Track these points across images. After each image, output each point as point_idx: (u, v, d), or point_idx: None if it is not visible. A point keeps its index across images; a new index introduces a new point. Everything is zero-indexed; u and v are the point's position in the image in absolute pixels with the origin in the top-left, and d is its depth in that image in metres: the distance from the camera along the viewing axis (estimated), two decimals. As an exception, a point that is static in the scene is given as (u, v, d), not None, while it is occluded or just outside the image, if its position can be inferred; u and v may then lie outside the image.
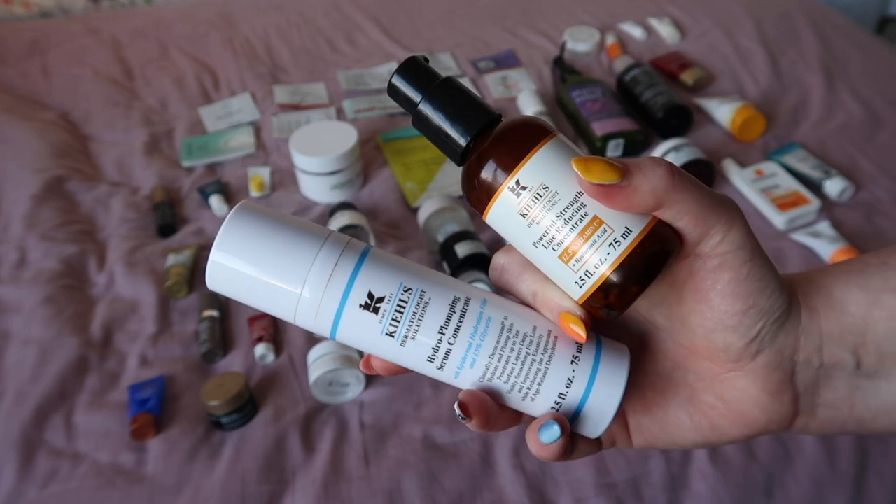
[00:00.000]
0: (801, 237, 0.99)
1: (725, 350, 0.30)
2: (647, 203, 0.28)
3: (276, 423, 0.78)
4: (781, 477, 0.73)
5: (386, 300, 0.30)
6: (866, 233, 1.00)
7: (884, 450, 0.75)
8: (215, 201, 1.08)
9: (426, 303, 0.30)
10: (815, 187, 1.07)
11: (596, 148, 1.14)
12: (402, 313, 0.30)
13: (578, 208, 0.29)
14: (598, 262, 0.29)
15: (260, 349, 0.85)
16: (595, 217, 0.29)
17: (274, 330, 0.88)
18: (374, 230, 1.01)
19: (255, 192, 1.10)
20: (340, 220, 0.97)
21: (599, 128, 1.14)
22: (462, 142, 0.31)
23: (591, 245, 0.29)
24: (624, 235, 0.28)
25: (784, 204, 1.02)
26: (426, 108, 0.31)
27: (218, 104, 1.32)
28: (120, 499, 0.72)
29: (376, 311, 0.30)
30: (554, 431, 0.30)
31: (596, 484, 0.72)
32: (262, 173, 1.14)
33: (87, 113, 1.30)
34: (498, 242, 0.99)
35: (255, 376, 0.84)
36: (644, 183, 0.27)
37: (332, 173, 1.05)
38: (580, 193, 0.29)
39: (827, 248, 0.95)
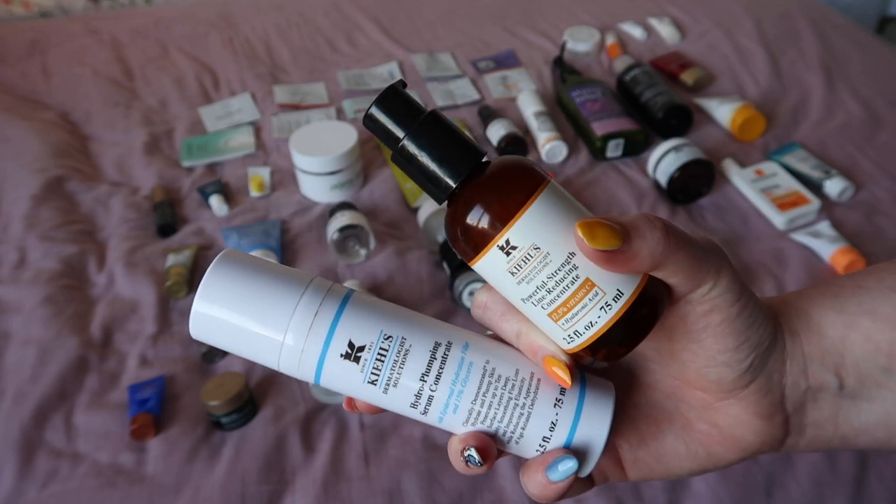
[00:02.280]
0: (801, 237, 0.99)
1: (718, 383, 0.31)
2: (645, 267, 0.28)
3: (276, 423, 0.78)
4: (781, 477, 0.73)
5: (367, 349, 0.30)
6: (866, 233, 1.00)
7: (884, 450, 0.75)
8: (215, 201, 1.08)
9: (407, 350, 0.30)
10: (815, 187, 1.07)
11: (596, 148, 1.14)
12: (382, 362, 0.30)
13: (570, 270, 0.28)
14: (589, 324, 0.28)
15: (260, 349, 0.84)
16: (587, 280, 0.28)
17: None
18: (374, 230, 1.01)
19: (255, 192, 1.10)
20: (340, 220, 0.97)
21: (599, 128, 1.14)
22: (450, 185, 0.29)
23: (583, 307, 0.28)
24: (616, 299, 0.28)
25: (784, 204, 1.02)
26: (410, 147, 0.29)
27: (218, 104, 1.32)
28: (120, 499, 0.72)
29: (357, 360, 0.30)
30: (569, 466, 0.29)
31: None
32: (262, 173, 1.14)
33: (87, 113, 1.30)
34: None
35: (255, 376, 0.83)
36: (643, 247, 0.27)
37: (332, 173, 1.05)
38: (572, 254, 0.28)
39: (827, 248, 0.95)
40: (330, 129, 1.11)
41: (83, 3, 1.71)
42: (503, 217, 0.28)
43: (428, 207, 0.99)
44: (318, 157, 1.04)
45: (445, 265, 0.93)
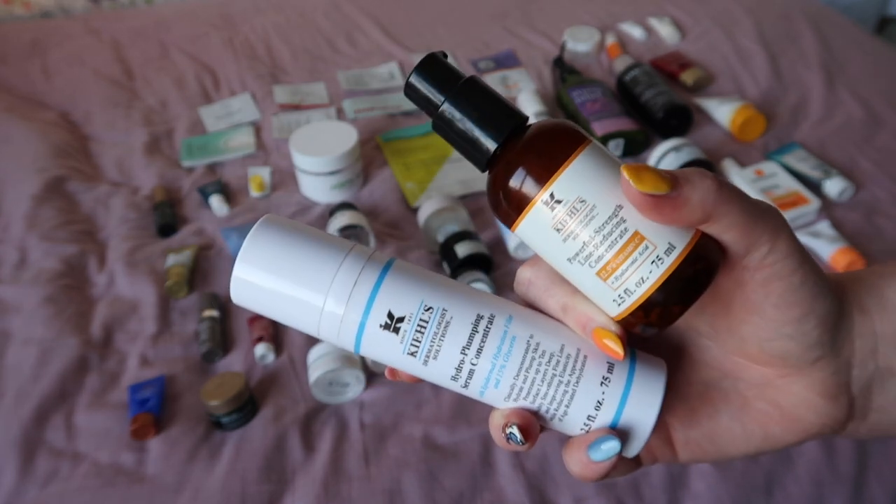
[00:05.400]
0: (800, 237, 0.98)
1: (783, 357, 0.29)
2: (696, 216, 0.26)
3: (276, 423, 0.78)
4: (781, 477, 0.73)
5: (406, 320, 0.29)
6: (866, 233, 1.00)
7: (884, 450, 0.75)
8: (215, 201, 1.08)
9: (448, 322, 0.29)
10: (814, 187, 1.07)
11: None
12: (422, 333, 0.29)
13: (618, 223, 0.27)
14: (640, 280, 0.27)
15: (260, 349, 0.85)
16: (636, 233, 0.27)
17: (274, 330, 0.88)
18: (374, 230, 1.01)
19: (255, 192, 1.10)
20: (340, 220, 0.97)
21: (599, 128, 1.14)
22: (490, 147, 0.29)
23: (632, 262, 0.27)
24: (667, 252, 0.27)
25: (784, 204, 1.02)
26: (450, 111, 0.29)
27: (218, 104, 1.32)
28: (120, 499, 0.72)
29: (397, 331, 0.29)
30: (612, 446, 0.28)
31: (596, 484, 0.72)
32: (262, 173, 1.14)
33: (87, 113, 1.30)
34: (499, 242, 0.99)
35: (255, 376, 0.84)
36: (693, 194, 0.26)
37: (332, 173, 1.05)
38: (620, 207, 0.27)
39: (827, 248, 0.95)
40: (330, 129, 1.11)
41: (83, 3, 1.71)
42: (546, 175, 0.28)
43: (428, 207, 0.99)
44: (318, 157, 1.04)
45: (445, 265, 0.93)
